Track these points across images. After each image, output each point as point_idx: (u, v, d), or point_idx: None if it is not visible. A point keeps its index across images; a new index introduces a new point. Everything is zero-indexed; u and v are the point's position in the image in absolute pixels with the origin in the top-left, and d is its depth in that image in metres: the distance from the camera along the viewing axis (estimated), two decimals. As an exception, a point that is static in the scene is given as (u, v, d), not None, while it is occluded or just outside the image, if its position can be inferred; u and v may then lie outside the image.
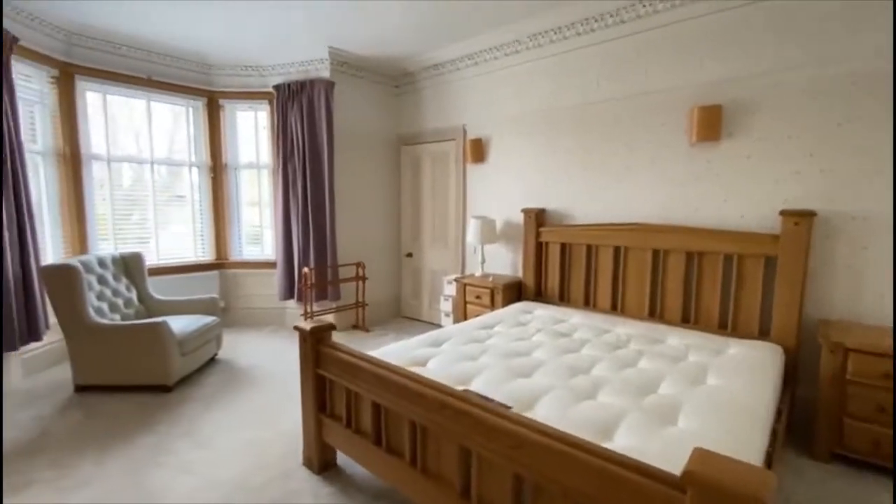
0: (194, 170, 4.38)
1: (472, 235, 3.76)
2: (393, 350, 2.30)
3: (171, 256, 4.29)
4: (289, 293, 4.37)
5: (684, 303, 2.85)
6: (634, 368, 2.10)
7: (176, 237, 4.36)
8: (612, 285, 3.18)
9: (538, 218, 3.53)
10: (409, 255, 4.80)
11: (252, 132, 4.55)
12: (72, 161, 3.61)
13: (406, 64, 4.38)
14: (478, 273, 3.87)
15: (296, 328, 2.10)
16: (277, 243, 4.38)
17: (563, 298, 3.47)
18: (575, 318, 2.93)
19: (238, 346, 3.95)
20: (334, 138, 4.19)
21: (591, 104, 3.28)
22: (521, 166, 3.77)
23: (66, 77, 3.54)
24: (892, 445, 1.99)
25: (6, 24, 2.95)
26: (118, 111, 3.92)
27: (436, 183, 4.48)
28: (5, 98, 2.85)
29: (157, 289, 3.81)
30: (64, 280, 2.85)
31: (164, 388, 3.00)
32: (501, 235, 3.94)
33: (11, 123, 2.94)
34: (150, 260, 4.05)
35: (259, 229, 4.66)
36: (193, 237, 4.43)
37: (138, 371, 2.94)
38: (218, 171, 4.48)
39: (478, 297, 3.68)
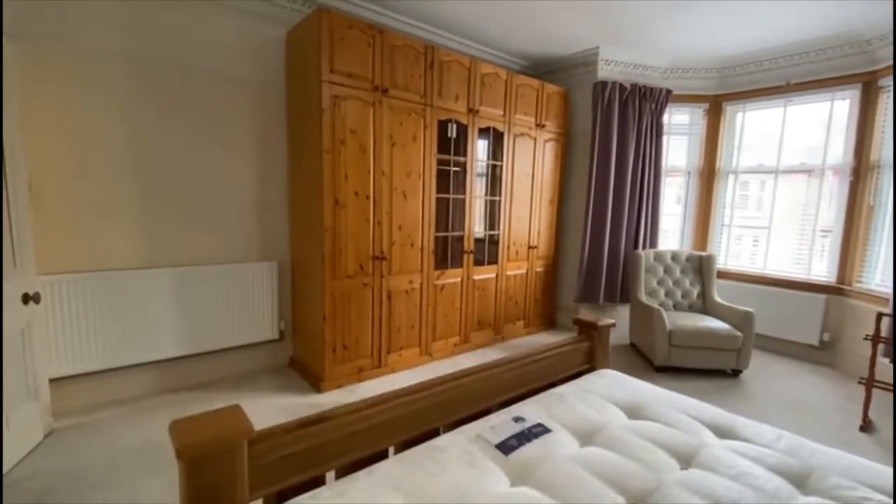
0: (828, 174, 3.71)
1: None
2: None
3: (779, 269, 4.03)
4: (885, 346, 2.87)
5: None
6: None
7: (790, 250, 3.97)
8: None
9: None
10: None
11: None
12: (707, 175, 4.40)
13: None
14: None
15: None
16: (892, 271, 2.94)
17: None
18: None
19: (782, 378, 3.35)
20: None
21: None
22: None
23: (716, 106, 4.30)
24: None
25: (665, 82, 4.24)
26: (751, 124, 4.15)
27: None
28: (644, 135, 4.21)
29: (743, 297, 3.92)
30: (632, 263, 3.99)
31: (651, 365, 3.48)
32: None
33: (653, 153, 4.28)
34: (754, 268, 4.14)
35: (910, 253, 3.19)
36: (810, 252, 3.83)
37: (646, 341, 3.61)
38: (862, 173, 3.50)
39: None
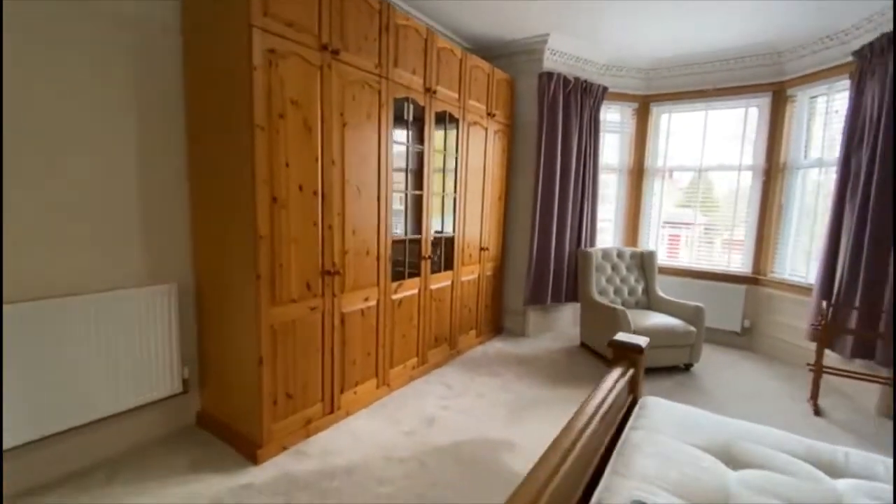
0: (746, 174, 4.05)
1: None
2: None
3: (702, 262, 4.32)
4: (814, 332, 3.18)
5: None
6: None
7: (717, 245, 4.29)
8: None
9: None
10: None
11: (826, 122, 3.53)
12: (637, 174, 4.53)
13: None
14: None
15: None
16: (818, 264, 3.26)
17: None
18: None
19: (725, 368, 3.52)
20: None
21: None
22: None
23: (644, 107, 4.43)
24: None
25: (603, 80, 4.20)
26: (677, 126, 4.38)
27: None
28: (587, 133, 4.14)
29: (673, 290, 4.09)
30: (582, 261, 3.88)
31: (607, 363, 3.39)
32: None
33: (592, 150, 4.22)
34: (679, 262, 4.36)
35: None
36: (730, 246, 4.17)
37: (602, 342, 3.50)
38: (772, 174, 3.88)
39: None
